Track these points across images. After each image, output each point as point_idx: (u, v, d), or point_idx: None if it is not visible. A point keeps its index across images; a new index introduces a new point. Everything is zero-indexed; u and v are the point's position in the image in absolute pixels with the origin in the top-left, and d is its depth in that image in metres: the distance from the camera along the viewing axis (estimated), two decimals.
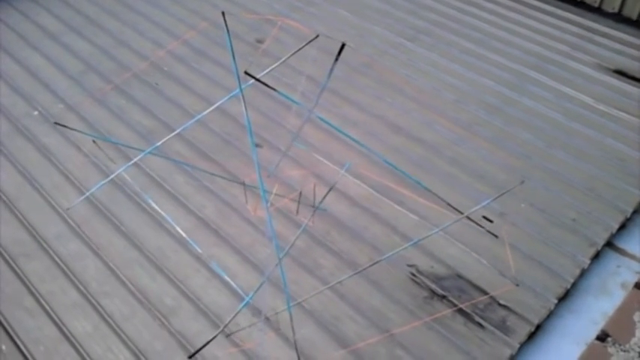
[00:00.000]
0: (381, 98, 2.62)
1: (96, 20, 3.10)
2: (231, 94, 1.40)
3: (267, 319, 1.69)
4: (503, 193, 1.48)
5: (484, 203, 1.41)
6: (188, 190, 2.13)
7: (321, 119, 1.32)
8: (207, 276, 1.84)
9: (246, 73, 1.27)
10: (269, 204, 1.55)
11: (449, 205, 1.39)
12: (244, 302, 1.62)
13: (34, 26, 3.03)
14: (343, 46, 1.24)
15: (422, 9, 3.28)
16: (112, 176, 1.88)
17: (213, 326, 1.70)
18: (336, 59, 1.27)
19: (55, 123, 2.02)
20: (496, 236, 1.40)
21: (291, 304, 1.60)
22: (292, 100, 1.32)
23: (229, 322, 1.64)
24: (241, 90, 1.32)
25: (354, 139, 1.42)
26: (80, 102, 2.51)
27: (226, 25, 1.28)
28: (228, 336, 1.65)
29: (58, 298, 1.76)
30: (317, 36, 1.33)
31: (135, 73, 2.68)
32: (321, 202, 1.83)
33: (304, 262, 1.89)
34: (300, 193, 1.93)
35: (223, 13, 1.26)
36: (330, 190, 1.79)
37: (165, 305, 1.75)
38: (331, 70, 1.30)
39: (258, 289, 1.63)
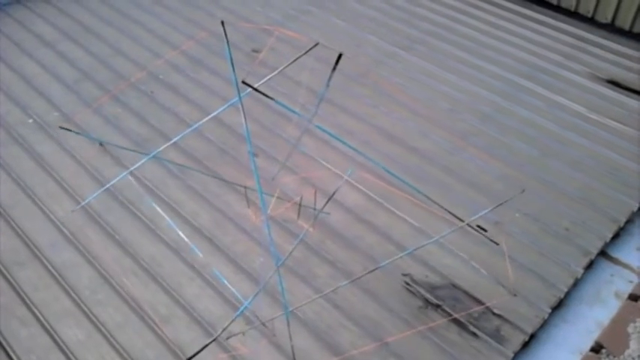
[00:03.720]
0: (376, 107, 2.63)
1: (92, 28, 3.10)
2: (229, 103, 1.40)
3: (263, 325, 1.68)
4: (503, 203, 1.48)
5: (483, 212, 1.41)
6: (182, 198, 2.12)
7: (321, 129, 1.32)
8: (200, 285, 1.83)
9: (243, 82, 1.27)
10: (268, 210, 1.54)
11: (449, 212, 1.38)
12: (241, 308, 1.62)
13: (30, 34, 3.03)
14: (340, 56, 1.24)
15: (417, 18, 3.30)
16: (108, 185, 1.87)
17: (206, 334, 1.69)
18: (334, 69, 1.27)
19: (61, 127, 2.01)
20: (497, 244, 1.39)
21: (287, 311, 1.59)
22: (291, 110, 1.33)
23: (226, 327, 1.63)
24: (240, 99, 1.32)
25: (353, 148, 1.42)
26: (75, 110, 2.51)
27: (225, 35, 1.28)
28: (227, 338, 1.64)
29: (50, 307, 1.75)
30: (317, 44, 1.33)
31: (130, 82, 2.68)
32: (323, 207, 1.83)
33: (299, 272, 1.89)
34: (301, 198, 1.92)
35: (223, 23, 1.26)
36: (334, 193, 1.77)
37: (158, 314, 1.75)
38: (329, 79, 1.31)
39: (255, 296, 1.62)
